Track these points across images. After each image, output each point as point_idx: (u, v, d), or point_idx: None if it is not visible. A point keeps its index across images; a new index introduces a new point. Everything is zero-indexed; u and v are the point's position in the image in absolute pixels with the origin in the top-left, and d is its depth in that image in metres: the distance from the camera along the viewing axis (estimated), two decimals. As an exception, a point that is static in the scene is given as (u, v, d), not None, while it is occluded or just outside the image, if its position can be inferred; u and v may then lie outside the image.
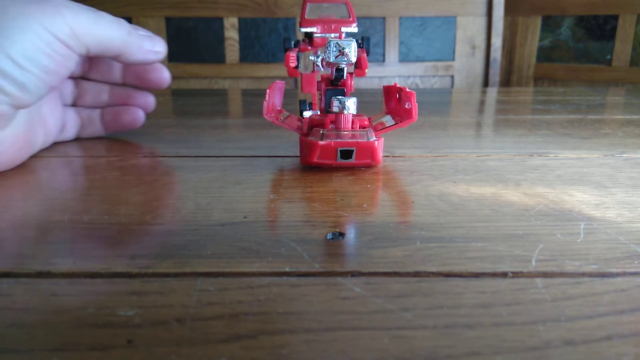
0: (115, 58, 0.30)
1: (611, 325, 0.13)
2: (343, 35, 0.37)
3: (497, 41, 1.40)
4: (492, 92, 0.74)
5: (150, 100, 0.36)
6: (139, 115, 0.35)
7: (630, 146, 0.33)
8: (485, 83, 1.43)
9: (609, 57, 1.30)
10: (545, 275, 0.15)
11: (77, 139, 0.35)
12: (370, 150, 0.26)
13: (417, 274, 0.16)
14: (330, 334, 0.13)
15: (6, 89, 0.24)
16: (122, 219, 0.20)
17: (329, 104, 0.31)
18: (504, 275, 0.16)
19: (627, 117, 0.46)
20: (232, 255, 0.17)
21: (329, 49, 0.28)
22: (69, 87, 0.34)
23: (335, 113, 0.27)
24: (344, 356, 0.12)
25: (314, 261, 0.16)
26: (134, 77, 0.34)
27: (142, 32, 0.30)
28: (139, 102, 0.35)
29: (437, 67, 1.42)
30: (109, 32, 0.27)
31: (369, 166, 0.28)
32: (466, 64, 1.43)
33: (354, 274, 0.16)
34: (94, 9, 0.27)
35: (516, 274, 0.16)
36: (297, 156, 0.31)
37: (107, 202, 0.23)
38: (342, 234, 0.19)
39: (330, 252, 0.17)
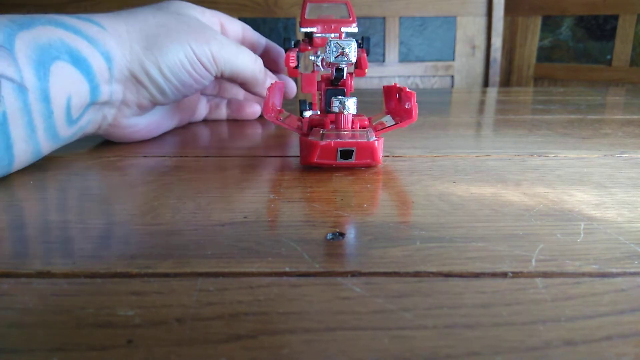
0: (243, 85, 0.37)
1: (611, 325, 0.13)
2: (343, 35, 0.37)
3: (497, 41, 1.40)
4: (492, 92, 0.74)
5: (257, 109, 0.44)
6: (257, 110, 0.44)
7: (630, 146, 0.33)
8: (485, 83, 1.44)
9: (609, 57, 1.30)
10: (545, 275, 0.15)
11: (78, 140, 0.35)
12: (370, 150, 0.26)
13: (417, 274, 0.16)
14: (330, 334, 0.13)
15: (150, 90, 0.31)
16: (122, 219, 0.20)
17: (329, 104, 0.31)
18: (504, 275, 0.16)
19: (627, 117, 0.46)
20: (232, 255, 0.17)
21: (329, 49, 0.28)
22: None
23: (335, 113, 0.27)
24: (344, 356, 0.12)
25: (314, 261, 0.16)
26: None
27: (272, 75, 0.39)
28: (256, 100, 0.45)
29: (437, 67, 1.42)
30: (243, 66, 0.34)
31: (369, 166, 0.28)
32: (466, 64, 1.43)
33: (354, 274, 0.16)
34: (238, 45, 0.34)
35: (516, 274, 0.16)
36: (297, 156, 0.31)
37: (107, 202, 0.23)
38: (342, 234, 0.19)
39: (330, 252, 0.17)
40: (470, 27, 1.41)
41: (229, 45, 0.33)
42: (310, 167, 0.28)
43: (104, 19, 0.29)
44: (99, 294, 0.15)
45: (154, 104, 0.32)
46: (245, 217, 0.21)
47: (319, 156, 0.26)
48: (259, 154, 0.31)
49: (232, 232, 0.19)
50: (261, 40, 0.42)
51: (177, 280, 0.15)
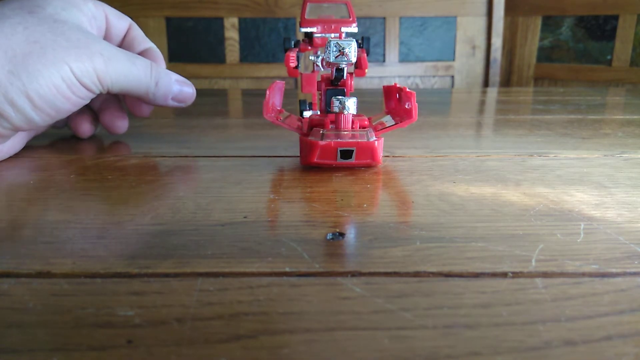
0: (138, 99, 0.32)
1: (611, 325, 0.13)
2: (343, 35, 0.37)
3: (497, 41, 1.40)
4: (492, 92, 0.74)
5: (124, 124, 0.35)
6: (126, 124, 0.36)
7: (630, 146, 0.33)
8: (486, 83, 1.44)
9: (609, 57, 1.30)
10: (545, 275, 0.15)
11: (78, 139, 0.35)
12: (370, 150, 0.26)
13: (417, 274, 0.16)
14: (330, 334, 0.13)
15: (14, 120, 0.26)
16: (122, 219, 0.20)
17: (329, 104, 0.31)
18: (504, 275, 0.16)
19: (627, 117, 0.46)
20: (232, 255, 0.17)
21: (329, 49, 0.28)
22: None
23: (335, 113, 0.27)
24: (344, 356, 0.12)
25: (314, 261, 0.16)
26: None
27: (175, 77, 0.32)
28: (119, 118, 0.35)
29: (437, 67, 1.42)
30: (135, 81, 0.29)
31: (369, 166, 0.28)
32: (466, 64, 1.43)
33: (354, 274, 0.16)
34: (129, 56, 0.29)
35: (516, 274, 0.16)
36: (297, 156, 0.31)
37: (107, 202, 0.23)
38: (342, 234, 0.19)
39: (330, 252, 0.17)
40: (470, 27, 1.41)
41: (118, 59, 0.28)
42: (310, 167, 0.28)
43: None
44: (99, 294, 0.15)
45: (17, 131, 0.27)
46: (245, 217, 0.21)
47: (319, 156, 0.26)
48: (259, 154, 0.31)
49: (232, 232, 0.19)
50: (146, 43, 0.34)
51: (177, 280, 0.15)
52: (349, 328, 0.13)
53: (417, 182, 0.25)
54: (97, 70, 0.26)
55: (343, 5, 0.39)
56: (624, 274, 0.15)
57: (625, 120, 0.44)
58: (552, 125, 0.41)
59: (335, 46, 0.27)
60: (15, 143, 0.30)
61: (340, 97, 0.27)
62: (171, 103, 0.32)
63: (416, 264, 0.16)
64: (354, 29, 0.37)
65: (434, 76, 1.43)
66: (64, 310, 0.14)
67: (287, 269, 0.16)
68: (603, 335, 0.12)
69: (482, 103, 0.60)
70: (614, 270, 0.16)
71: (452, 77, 1.43)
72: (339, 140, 0.25)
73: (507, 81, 1.46)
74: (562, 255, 0.17)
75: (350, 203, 0.22)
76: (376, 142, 0.26)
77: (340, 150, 0.25)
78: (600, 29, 1.32)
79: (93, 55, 0.26)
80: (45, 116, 0.26)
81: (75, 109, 0.28)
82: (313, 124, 0.29)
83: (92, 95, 0.28)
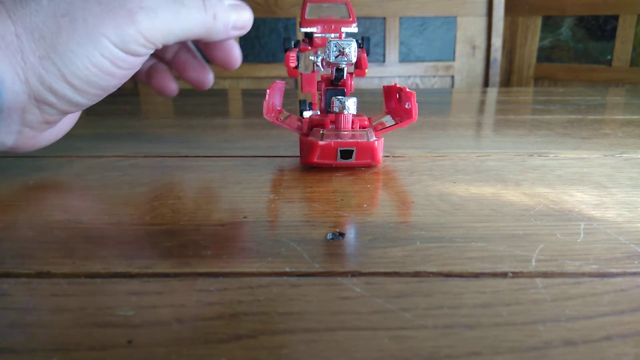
0: (196, 41, 0.28)
1: (611, 325, 0.13)
2: (343, 35, 0.37)
3: (497, 41, 1.40)
4: (492, 92, 0.74)
5: (209, 77, 0.32)
6: (211, 77, 0.32)
7: (630, 146, 0.33)
8: (486, 83, 1.44)
9: (609, 57, 1.30)
10: (545, 275, 0.15)
11: (77, 139, 0.35)
12: (370, 151, 0.26)
13: (417, 274, 0.16)
14: (330, 334, 0.13)
15: (58, 106, 0.23)
16: (122, 219, 0.20)
17: (329, 104, 0.31)
18: (504, 275, 0.16)
19: (627, 117, 0.46)
20: (232, 255, 0.17)
21: (329, 49, 0.28)
22: None
23: (335, 113, 0.27)
24: (344, 356, 0.12)
25: (314, 261, 0.16)
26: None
27: (227, 1, 0.26)
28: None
29: (437, 67, 1.42)
30: (189, 25, 0.24)
31: (369, 166, 0.28)
32: (466, 64, 1.43)
33: (354, 274, 0.16)
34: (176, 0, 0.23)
35: (516, 274, 0.16)
36: (297, 156, 0.31)
37: (107, 202, 0.23)
38: (342, 234, 0.19)
39: (330, 252, 0.17)
40: (470, 28, 1.41)
41: (163, 6, 0.23)
42: (310, 167, 0.28)
43: None
44: (99, 294, 0.15)
45: (66, 114, 0.24)
46: (245, 217, 0.21)
47: (319, 156, 0.26)
48: (259, 154, 0.31)
49: (232, 232, 0.19)
50: None
51: (177, 280, 0.15)
52: (349, 328, 0.13)
53: (417, 182, 0.25)
54: (142, 30, 0.22)
55: (343, 5, 0.39)
56: (624, 274, 0.15)
57: (625, 120, 0.44)
58: (552, 125, 0.41)
59: (335, 46, 0.27)
60: (67, 121, 0.27)
61: (340, 97, 0.27)
62: (232, 33, 0.27)
63: (416, 264, 0.16)
64: (354, 29, 0.37)
65: (434, 76, 1.43)
66: (64, 310, 0.14)
67: (287, 269, 0.16)
68: (603, 335, 0.12)
69: (482, 103, 0.60)
70: (614, 270, 0.16)
71: (452, 77, 1.43)
72: (338, 140, 0.25)
73: (507, 81, 1.46)
74: (562, 255, 0.17)
75: (350, 203, 0.22)
76: (376, 142, 0.26)
77: (340, 150, 0.25)
78: (600, 29, 1.32)
79: (133, 14, 0.22)
80: (92, 96, 0.23)
81: (128, 75, 0.24)
82: (313, 124, 0.29)
83: (145, 59, 0.24)
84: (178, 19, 0.23)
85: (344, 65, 0.29)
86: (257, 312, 0.14)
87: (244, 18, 0.27)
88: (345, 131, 0.27)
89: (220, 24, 0.25)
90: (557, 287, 0.15)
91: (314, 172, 0.27)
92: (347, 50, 0.27)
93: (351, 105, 0.27)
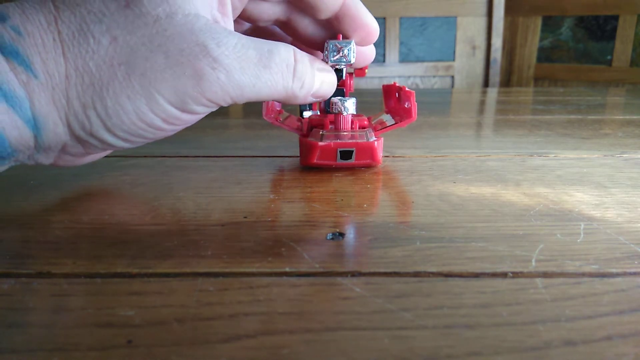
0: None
1: (611, 325, 0.13)
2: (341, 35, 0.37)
3: (497, 41, 1.40)
4: (492, 93, 0.74)
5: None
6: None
7: (630, 146, 0.33)
8: (486, 83, 1.44)
9: (609, 57, 1.30)
10: (545, 275, 0.15)
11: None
12: (370, 151, 0.26)
13: (417, 274, 0.16)
14: (330, 334, 0.13)
15: (101, 147, 0.20)
16: (122, 219, 0.20)
17: (328, 105, 0.31)
18: (504, 275, 0.16)
19: (627, 117, 0.46)
20: (232, 255, 0.17)
21: (327, 49, 0.28)
22: None
23: (335, 114, 0.27)
24: (344, 356, 0.12)
25: (314, 261, 0.16)
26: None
27: (317, 65, 0.23)
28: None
29: (437, 67, 1.42)
30: (268, 91, 0.21)
31: (368, 166, 0.28)
32: (466, 64, 1.43)
33: (354, 274, 0.16)
34: (263, 56, 0.20)
35: (516, 274, 0.16)
36: (297, 156, 0.31)
37: (107, 202, 0.23)
38: (342, 234, 0.19)
39: (330, 252, 0.17)
40: (470, 28, 1.41)
41: (241, 68, 0.19)
42: (310, 167, 0.28)
43: (35, 49, 0.17)
44: (99, 294, 0.15)
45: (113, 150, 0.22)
46: (245, 217, 0.21)
47: (319, 157, 0.26)
48: (259, 154, 0.31)
49: (232, 232, 0.19)
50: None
51: (177, 280, 0.15)
52: (349, 328, 0.13)
53: (417, 182, 0.25)
54: (206, 92, 0.19)
55: None
56: (624, 274, 0.15)
57: (625, 120, 0.44)
58: (552, 126, 0.41)
59: (334, 46, 0.27)
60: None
61: (339, 97, 0.27)
62: (309, 100, 0.24)
63: (416, 264, 0.16)
64: None
65: (434, 76, 1.43)
66: (64, 310, 0.14)
67: (287, 269, 0.16)
68: (603, 336, 0.12)
69: (482, 103, 0.60)
70: (614, 270, 0.16)
71: (452, 77, 1.43)
72: (338, 141, 0.25)
73: (507, 81, 1.46)
74: (562, 255, 0.17)
75: (350, 203, 0.22)
76: (376, 142, 0.26)
77: (339, 151, 0.25)
78: (600, 29, 1.32)
79: (201, 74, 0.18)
80: (138, 143, 0.21)
81: (179, 130, 0.21)
82: (313, 125, 0.29)
83: (202, 116, 0.21)
84: (256, 84, 0.20)
85: (342, 66, 0.29)
86: (257, 312, 0.14)
87: (328, 85, 0.24)
88: (344, 132, 0.27)
89: (304, 92, 0.22)
90: (557, 287, 0.15)
91: (314, 172, 0.27)
92: (345, 51, 0.27)
93: (350, 106, 0.27)
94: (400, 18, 1.38)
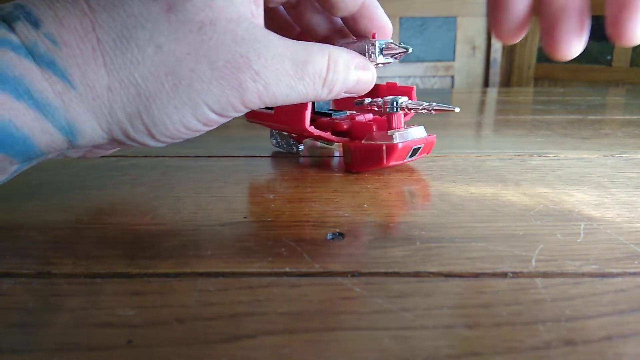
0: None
1: (611, 325, 0.13)
2: None
3: (497, 41, 1.40)
4: (492, 93, 0.74)
5: None
6: None
7: (630, 146, 0.33)
8: (486, 83, 1.44)
9: (609, 57, 1.30)
10: (545, 275, 0.15)
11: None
12: (430, 145, 0.27)
13: (417, 274, 0.16)
14: (330, 334, 0.13)
15: (137, 147, 0.21)
16: (122, 219, 0.20)
17: (319, 107, 0.31)
18: (504, 275, 0.16)
19: (627, 117, 0.46)
20: (232, 255, 0.17)
21: (372, 48, 0.27)
22: None
23: (387, 113, 0.27)
24: (344, 356, 0.12)
25: (314, 261, 0.16)
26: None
27: (354, 63, 0.23)
28: None
29: (437, 67, 1.42)
30: (298, 98, 0.21)
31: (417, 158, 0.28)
32: (466, 64, 1.43)
33: (354, 274, 0.16)
34: (299, 68, 0.20)
35: (516, 274, 0.16)
36: (298, 156, 0.31)
37: (107, 202, 0.23)
38: (342, 234, 0.19)
39: (330, 252, 0.17)
40: (470, 28, 1.41)
41: (279, 80, 0.20)
42: (310, 168, 0.28)
43: (72, 60, 0.17)
44: (99, 294, 0.15)
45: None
46: (245, 217, 0.21)
47: (395, 158, 0.26)
48: (259, 154, 0.31)
49: (232, 232, 0.19)
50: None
51: (177, 280, 0.15)
52: (349, 328, 0.13)
53: (417, 182, 0.25)
54: (245, 100, 0.19)
55: None
56: (624, 274, 0.15)
57: (625, 120, 0.44)
58: (552, 126, 0.41)
59: (385, 45, 0.27)
60: None
61: (392, 97, 0.27)
62: (342, 96, 0.24)
63: (416, 264, 0.16)
64: None
65: (434, 76, 1.43)
66: (64, 310, 0.14)
67: (287, 269, 0.16)
68: (603, 336, 0.12)
69: (482, 103, 0.60)
70: (614, 270, 0.16)
71: (452, 77, 1.44)
72: (409, 140, 0.26)
73: (507, 81, 1.46)
74: (562, 255, 0.17)
75: (350, 203, 0.22)
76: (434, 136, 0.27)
77: (412, 149, 0.26)
78: (600, 29, 1.32)
79: (243, 86, 0.19)
80: (172, 142, 0.21)
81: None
82: (357, 128, 0.29)
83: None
84: (289, 94, 0.21)
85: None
86: (257, 312, 0.14)
87: (364, 84, 0.24)
88: (399, 131, 0.27)
89: (331, 96, 0.23)
90: (557, 287, 0.15)
91: (314, 172, 0.27)
92: (397, 50, 0.27)
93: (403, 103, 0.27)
94: (400, 18, 1.38)
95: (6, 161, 0.17)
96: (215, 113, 0.20)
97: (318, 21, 0.26)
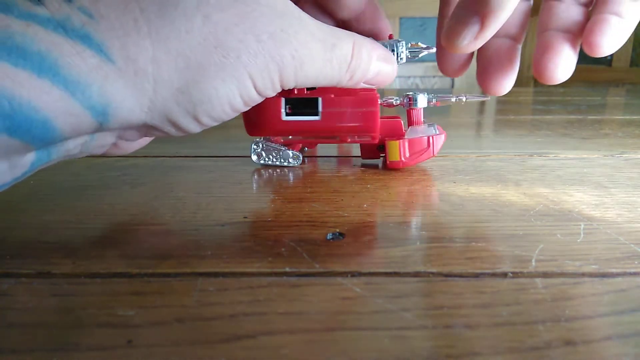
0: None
1: (611, 325, 0.13)
2: None
3: (497, 41, 1.40)
4: (492, 93, 0.73)
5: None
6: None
7: (630, 146, 0.33)
8: (486, 83, 1.43)
9: (609, 57, 1.30)
10: (545, 275, 0.15)
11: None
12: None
13: (417, 274, 0.16)
14: (330, 334, 0.13)
15: (172, 134, 0.20)
16: (122, 218, 0.20)
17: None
18: (504, 275, 0.16)
19: (627, 117, 0.46)
20: (232, 255, 0.17)
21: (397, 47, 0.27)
22: None
23: (407, 109, 0.27)
24: (344, 356, 0.12)
25: (314, 261, 0.16)
26: None
27: (376, 53, 0.23)
28: None
29: (437, 67, 1.42)
30: (325, 81, 0.21)
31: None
32: (466, 64, 1.42)
33: (354, 274, 0.16)
34: (327, 51, 0.20)
35: (516, 274, 0.16)
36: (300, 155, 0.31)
37: (107, 202, 0.23)
38: (342, 234, 0.19)
39: (330, 252, 0.17)
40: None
41: (312, 61, 0.20)
42: (310, 168, 0.28)
43: (111, 32, 0.16)
44: (99, 294, 0.15)
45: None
46: (245, 217, 0.21)
47: (439, 149, 0.27)
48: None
49: (232, 232, 0.19)
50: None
51: (177, 280, 0.15)
52: (349, 328, 0.13)
53: (417, 182, 0.25)
54: (283, 77, 0.19)
55: None
56: (624, 274, 0.15)
57: (625, 120, 0.44)
58: (552, 126, 0.41)
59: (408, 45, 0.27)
60: None
61: (412, 92, 0.27)
62: (361, 86, 0.23)
63: (416, 264, 0.16)
64: None
65: (434, 76, 1.43)
66: (64, 310, 0.14)
67: (287, 269, 0.16)
68: (603, 336, 0.12)
69: (482, 103, 0.60)
70: (614, 270, 0.16)
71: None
72: (441, 134, 0.27)
73: (507, 81, 1.46)
74: (562, 255, 0.17)
75: (350, 203, 0.22)
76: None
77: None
78: (600, 29, 1.32)
79: (284, 61, 0.19)
80: (208, 126, 0.20)
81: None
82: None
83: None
84: (318, 77, 0.21)
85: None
86: (257, 312, 0.14)
87: (384, 75, 0.24)
88: (419, 126, 0.28)
89: (351, 83, 0.23)
90: (557, 287, 0.15)
91: (314, 172, 0.27)
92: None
93: (422, 100, 0.27)
94: (400, 18, 1.38)
95: (22, 149, 0.16)
96: (257, 90, 0.19)
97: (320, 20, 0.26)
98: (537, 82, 1.41)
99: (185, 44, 0.17)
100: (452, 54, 0.24)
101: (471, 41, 0.21)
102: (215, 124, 0.20)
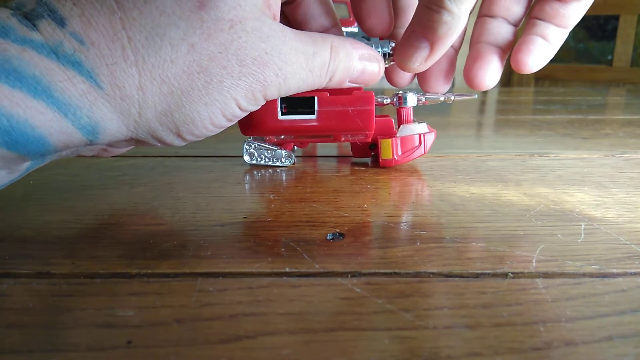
0: None
1: (612, 325, 0.13)
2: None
3: (497, 41, 1.40)
4: (493, 92, 0.74)
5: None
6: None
7: (631, 146, 0.33)
8: (486, 83, 1.43)
9: (609, 57, 1.30)
10: (545, 275, 0.15)
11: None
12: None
13: (417, 274, 0.16)
14: (330, 334, 0.13)
15: (157, 146, 0.21)
16: (122, 219, 0.20)
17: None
18: (505, 275, 0.15)
19: (628, 117, 0.46)
20: (232, 255, 0.17)
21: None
22: None
23: (397, 107, 0.28)
24: (344, 356, 0.12)
25: (314, 261, 0.16)
26: None
27: (358, 53, 0.23)
28: None
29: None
30: (306, 88, 0.22)
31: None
32: (467, 64, 1.42)
33: (354, 274, 0.16)
34: (308, 61, 0.21)
35: (517, 275, 0.16)
36: (298, 155, 0.31)
37: (106, 202, 0.23)
38: (342, 234, 0.19)
39: (330, 252, 0.17)
40: (470, 27, 1.41)
41: (294, 74, 0.21)
42: (310, 168, 0.28)
43: (100, 60, 0.17)
44: (99, 294, 0.15)
45: None
46: (245, 217, 0.21)
47: (430, 146, 0.28)
48: (259, 154, 0.31)
49: (232, 232, 0.19)
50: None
51: (177, 281, 0.15)
52: (349, 328, 0.13)
53: (417, 182, 0.25)
54: (267, 94, 0.20)
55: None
56: (625, 275, 0.15)
57: (626, 120, 0.44)
58: (552, 125, 0.41)
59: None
60: None
61: (402, 91, 0.27)
62: (347, 85, 0.24)
63: (416, 264, 0.16)
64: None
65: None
66: (63, 310, 0.14)
67: (287, 269, 0.16)
68: (604, 336, 0.12)
69: (483, 103, 0.60)
70: (614, 270, 0.16)
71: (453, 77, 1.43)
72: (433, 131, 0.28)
73: (507, 81, 1.46)
74: (563, 255, 0.17)
75: (350, 203, 0.22)
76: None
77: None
78: (600, 29, 1.32)
79: (267, 81, 0.20)
80: (190, 142, 0.21)
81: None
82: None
83: None
84: (301, 86, 0.22)
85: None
86: (257, 312, 0.14)
87: (369, 74, 0.24)
88: (409, 124, 0.28)
89: (334, 82, 0.23)
90: (558, 288, 0.15)
91: (314, 172, 0.27)
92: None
93: (411, 98, 0.27)
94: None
95: (19, 160, 0.17)
96: (240, 108, 0.20)
97: (314, 14, 0.26)
98: (537, 82, 1.41)
99: (170, 72, 0.18)
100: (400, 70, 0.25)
101: (422, 63, 0.23)
102: (199, 139, 0.21)
